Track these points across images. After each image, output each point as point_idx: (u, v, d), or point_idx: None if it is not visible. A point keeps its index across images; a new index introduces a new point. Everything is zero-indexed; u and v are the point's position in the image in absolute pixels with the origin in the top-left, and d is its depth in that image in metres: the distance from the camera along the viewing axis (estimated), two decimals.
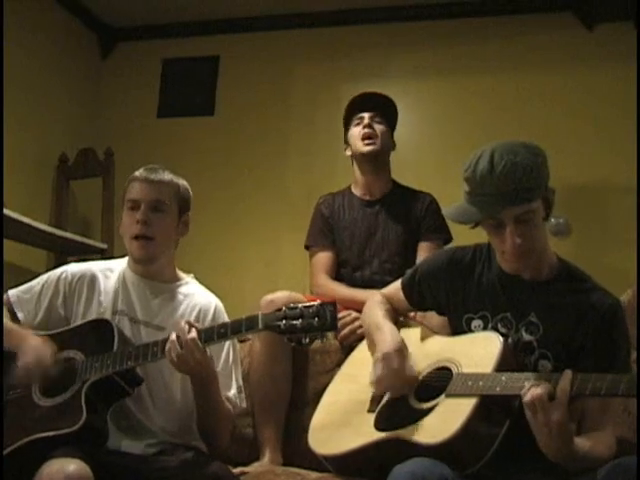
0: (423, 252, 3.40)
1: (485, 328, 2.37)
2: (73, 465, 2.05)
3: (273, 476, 2.58)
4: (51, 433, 2.22)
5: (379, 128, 3.53)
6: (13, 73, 4.54)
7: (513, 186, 2.16)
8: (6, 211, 4.01)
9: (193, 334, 2.26)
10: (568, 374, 1.99)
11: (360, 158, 3.56)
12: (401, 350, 2.38)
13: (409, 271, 2.64)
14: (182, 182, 2.67)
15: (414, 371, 2.36)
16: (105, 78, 5.43)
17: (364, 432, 2.31)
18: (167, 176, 2.62)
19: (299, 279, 3.83)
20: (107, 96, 5.38)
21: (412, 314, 2.89)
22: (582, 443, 2.07)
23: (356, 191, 3.63)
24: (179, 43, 5.36)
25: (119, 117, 5.31)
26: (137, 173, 2.63)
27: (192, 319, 2.55)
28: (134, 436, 2.44)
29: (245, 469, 2.66)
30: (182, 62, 5.34)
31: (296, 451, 2.89)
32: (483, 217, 2.25)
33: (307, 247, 3.65)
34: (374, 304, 2.68)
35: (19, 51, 4.61)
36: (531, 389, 1.99)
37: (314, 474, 2.52)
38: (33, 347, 2.39)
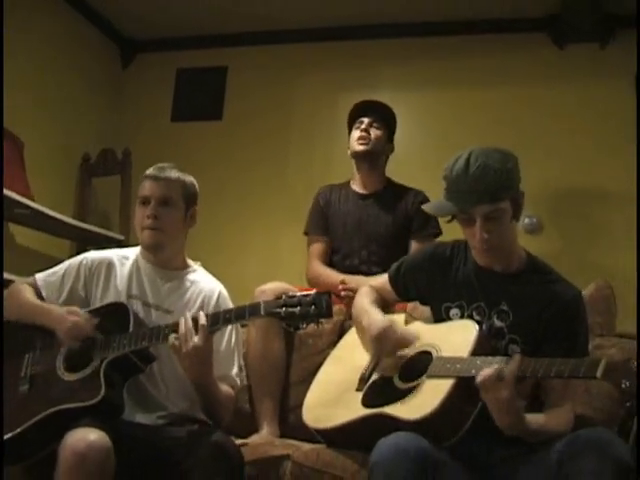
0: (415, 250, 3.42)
1: (462, 316, 2.38)
2: (94, 434, 2.07)
3: (271, 447, 2.60)
4: (74, 405, 2.23)
5: (375, 133, 3.58)
6: (43, 81, 4.57)
7: (484, 186, 2.20)
8: (35, 205, 4.03)
9: (202, 321, 2.27)
10: (517, 357, 2.03)
11: (355, 156, 3.62)
12: (391, 325, 2.40)
13: (395, 264, 2.65)
14: (189, 179, 2.67)
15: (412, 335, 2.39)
16: (125, 86, 5.41)
17: (353, 409, 2.32)
18: (175, 174, 2.62)
19: (298, 268, 3.81)
20: (126, 102, 5.37)
21: (404, 305, 2.90)
22: (535, 418, 2.10)
23: (354, 186, 3.68)
24: (192, 54, 5.34)
25: (137, 121, 5.30)
26: (148, 171, 2.64)
27: (197, 303, 2.59)
28: (146, 409, 2.46)
29: (245, 441, 2.67)
30: (194, 72, 5.33)
31: (292, 425, 2.91)
32: (456, 212, 2.30)
33: (305, 233, 3.70)
34: (361, 295, 2.68)
35: (49, 61, 4.64)
36: (482, 371, 2.02)
37: (308, 445, 2.53)
38: (69, 311, 2.43)
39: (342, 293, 3.25)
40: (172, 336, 2.28)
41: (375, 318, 2.47)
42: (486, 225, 2.24)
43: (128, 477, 2.18)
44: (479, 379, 2.01)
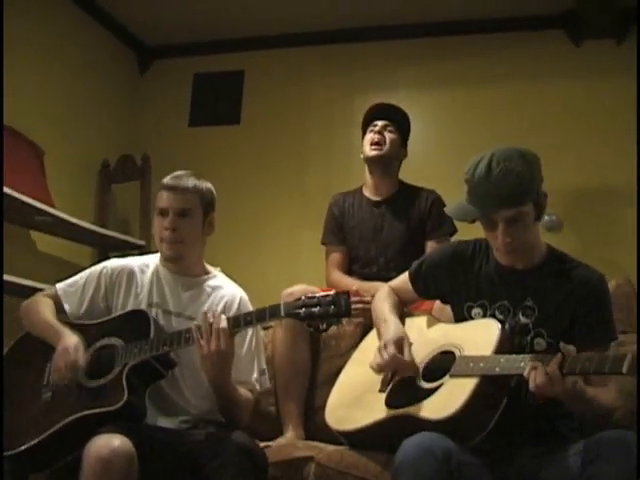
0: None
1: (484, 315, 2.37)
2: (117, 440, 2.07)
3: (295, 448, 2.60)
4: (96, 410, 2.23)
5: (389, 136, 3.53)
6: (61, 88, 4.60)
7: (506, 190, 2.18)
8: (55, 212, 4.05)
9: (224, 323, 2.27)
10: (557, 358, 2.01)
11: (368, 161, 3.57)
12: (399, 340, 2.38)
13: (416, 263, 2.63)
14: (206, 185, 2.64)
15: (411, 357, 2.35)
16: (142, 92, 5.43)
17: (376, 410, 2.31)
18: (191, 182, 2.59)
19: (317, 272, 3.79)
20: (144, 108, 5.38)
21: (428, 305, 2.90)
22: (590, 391, 2.10)
23: (366, 192, 3.63)
24: (208, 59, 5.35)
25: (155, 126, 5.31)
26: (164, 181, 2.61)
27: (219, 309, 2.56)
28: (169, 413, 2.46)
29: (268, 443, 2.67)
30: (211, 76, 5.33)
31: (315, 427, 2.89)
32: (479, 216, 2.28)
33: (323, 243, 3.66)
34: (381, 298, 2.67)
35: (67, 70, 4.66)
36: (532, 378, 2.00)
37: (331, 447, 2.52)
38: (63, 350, 2.40)
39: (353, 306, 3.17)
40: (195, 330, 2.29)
41: (387, 332, 2.46)
42: (509, 229, 2.23)
43: None
44: (532, 387, 2.00)
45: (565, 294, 2.28)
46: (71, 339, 2.44)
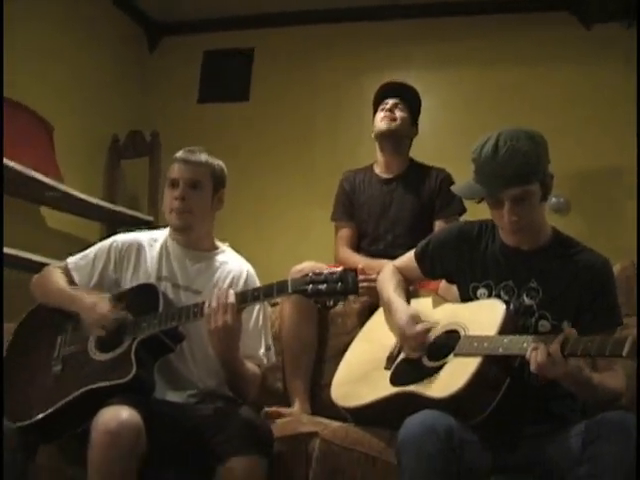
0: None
1: (489, 296, 2.37)
2: (125, 412, 2.10)
3: (300, 424, 2.61)
4: (106, 384, 2.26)
5: (400, 114, 3.53)
6: (71, 65, 4.62)
7: (512, 170, 2.18)
8: (65, 187, 4.08)
9: (232, 299, 2.29)
10: (559, 338, 2.01)
11: (379, 137, 3.57)
12: (412, 319, 2.38)
13: (422, 242, 2.64)
14: (217, 162, 2.67)
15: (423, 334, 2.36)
16: (152, 68, 5.45)
17: (381, 387, 2.33)
18: (203, 157, 2.63)
19: (325, 249, 3.79)
20: (154, 84, 5.40)
21: (435, 285, 2.90)
22: (595, 376, 2.11)
23: (376, 169, 3.63)
24: (218, 36, 5.37)
25: (164, 103, 5.33)
26: (177, 154, 2.65)
27: (226, 284, 2.59)
28: (177, 387, 2.49)
29: (277, 410, 2.74)
30: (221, 53, 5.36)
31: (322, 403, 2.91)
32: (485, 195, 2.29)
33: (333, 219, 3.68)
34: (386, 277, 2.67)
35: (77, 46, 4.70)
36: (534, 358, 2.01)
37: (336, 423, 2.54)
38: (93, 303, 2.44)
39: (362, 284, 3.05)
40: (205, 305, 2.30)
41: (397, 309, 2.46)
42: (515, 208, 2.24)
43: (159, 454, 2.21)
44: (534, 368, 2.01)
45: (569, 278, 2.29)
46: (93, 297, 2.48)
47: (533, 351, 2.02)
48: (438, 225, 3.43)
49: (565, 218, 4.30)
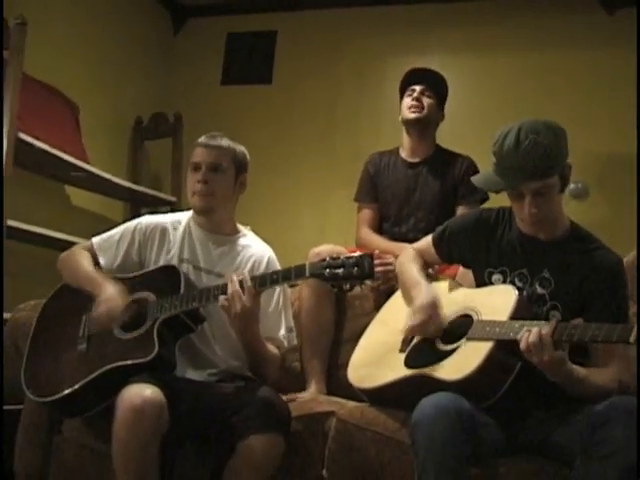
0: None
1: (504, 282, 2.41)
2: (149, 389, 2.18)
3: (317, 403, 2.68)
4: (129, 362, 2.33)
5: (427, 101, 3.55)
6: (96, 46, 4.67)
7: (534, 163, 2.21)
8: (90, 167, 4.14)
9: (249, 283, 2.33)
10: (552, 322, 2.08)
11: (406, 124, 3.60)
12: (434, 303, 2.41)
13: (440, 227, 2.68)
14: (239, 147, 2.72)
15: (442, 321, 2.40)
16: (176, 51, 5.49)
17: (396, 369, 2.37)
18: (225, 142, 2.68)
19: (346, 231, 3.86)
20: (177, 66, 5.44)
21: (453, 270, 2.95)
22: (580, 369, 2.15)
23: (402, 153, 3.66)
24: (242, 19, 5.39)
25: (188, 85, 5.38)
26: (200, 139, 2.69)
27: (248, 268, 2.64)
28: (197, 366, 2.56)
29: (293, 396, 2.78)
30: (244, 36, 5.37)
31: (338, 383, 2.95)
32: (505, 187, 2.33)
33: (356, 200, 3.71)
34: (408, 260, 2.70)
35: (102, 29, 4.73)
36: (525, 337, 2.07)
37: (352, 403, 2.59)
38: (106, 299, 2.49)
39: (377, 268, 2.97)
40: (222, 297, 2.35)
41: (422, 291, 2.48)
42: (535, 200, 2.27)
43: (180, 430, 2.29)
44: (523, 345, 2.06)
45: (582, 273, 2.32)
46: (115, 288, 2.53)
47: (526, 332, 2.07)
48: (460, 211, 3.46)
49: (584, 204, 4.32)
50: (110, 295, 2.50)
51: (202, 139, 2.70)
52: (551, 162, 2.24)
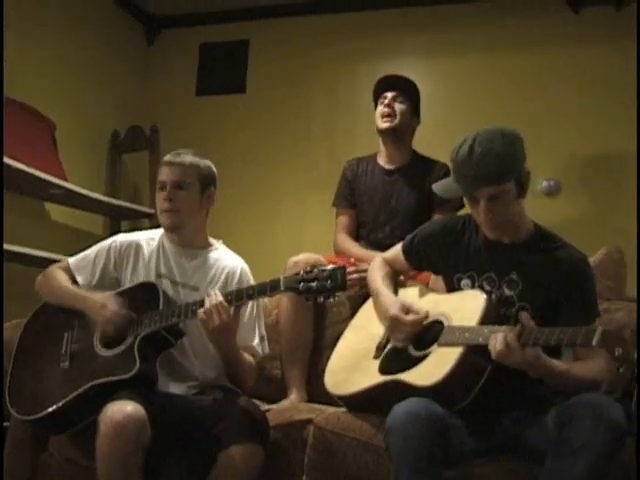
0: None
1: (473, 286, 2.48)
2: (130, 406, 2.25)
3: (296, 412, 2.74)
4: (111, 379, 2.41)
5: (399, 107, 3.58)
6: (69, 60, 4.70)
7: (486, 171, 2.30)
8: (68, 184, 4.17)
9: (221, 298, 2.42)
10: (517, 329, 2.14)
11: (380, 133, 3.63)
12: (403, 309, 2.49)
13: (409, 236, 2.74)
14: (204, 162, 2.77)
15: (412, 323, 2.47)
16: (150, 62, 5.51)
17: (370, 375, 2.44)
18: (189, 159, 2.73)
19: (323, 237, 3.90)
20: (152, 78, 5.46)
21: (425, 277, 3.01)
22: (560, 363, 2.22)
23: (380, 160, 3.69)
24: (214, 29, 5.42)
25: (163, 96, 5.40)
26: (165, 158, 2.77)
27: (222, 280, 2.72)
28: (178, 379, 2.63)
29: (269, 407, 2.82)
30: (217, 46, 5.40)
31: (319, 390, 2.95)
32: (462, 193, 2.44)
33: (334, 205, 3.76)
34: (375, 268, 2.78)
35: (76, 43, 4.75)
36: (492, 346, 2.14)
37: (330, 410, 2.64)
38: (101, 306, 2.57)
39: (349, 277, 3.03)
40: (200, 312, 2.42)
41: (385, 301, 2.58)
42: (489, 205, 2.35)
43: (162, 443, 2.36)
44: (493, 354, 2.13)
45: (549, 272, 2.39)
46: (100, 296, 2.62)
47: (492, 340, 2.15)
48: (435, 218, 3.48)
49: (556, 201, 4.38)
50: (104, 299, 2.59)
51: (167, 157, 2.77)
52: (504, 169, 2.32)
